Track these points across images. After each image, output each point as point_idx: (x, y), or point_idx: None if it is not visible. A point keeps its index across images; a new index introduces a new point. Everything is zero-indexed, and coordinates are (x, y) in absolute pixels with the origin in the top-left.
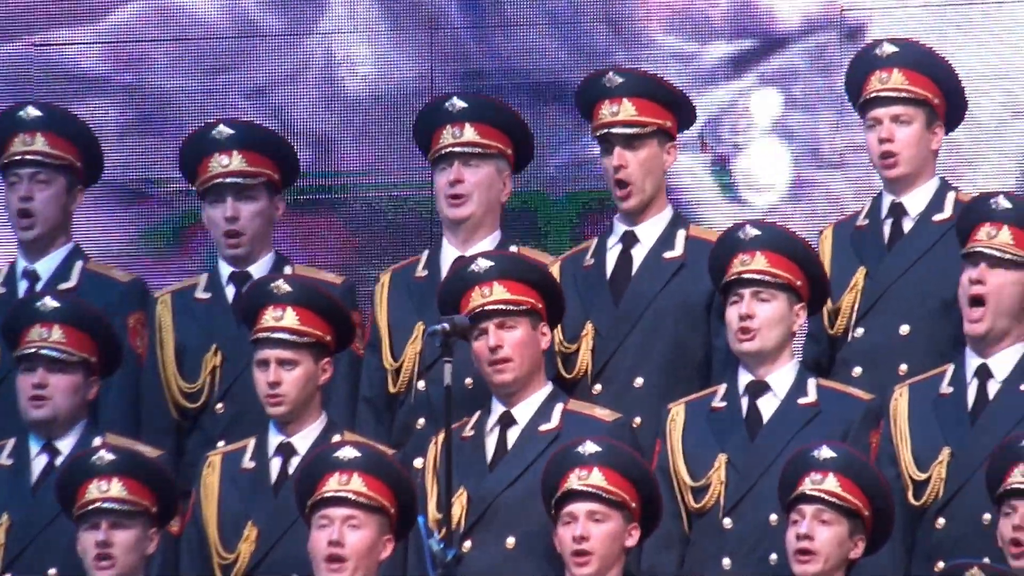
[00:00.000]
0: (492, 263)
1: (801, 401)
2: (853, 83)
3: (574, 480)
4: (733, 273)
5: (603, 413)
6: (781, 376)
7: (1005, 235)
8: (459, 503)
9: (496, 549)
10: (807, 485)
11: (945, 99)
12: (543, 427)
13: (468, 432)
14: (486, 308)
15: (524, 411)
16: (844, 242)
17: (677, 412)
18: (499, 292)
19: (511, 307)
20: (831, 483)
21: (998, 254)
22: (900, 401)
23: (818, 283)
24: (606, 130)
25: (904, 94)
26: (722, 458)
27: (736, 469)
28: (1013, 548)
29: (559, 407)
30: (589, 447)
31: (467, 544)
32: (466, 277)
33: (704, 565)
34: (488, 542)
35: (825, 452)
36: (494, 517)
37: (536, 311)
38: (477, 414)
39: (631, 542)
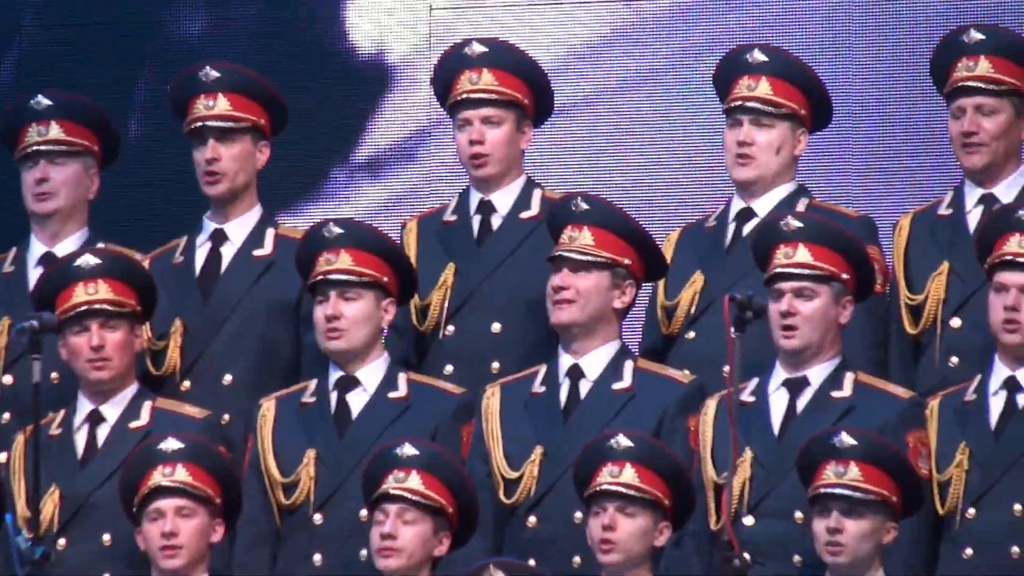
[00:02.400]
0: (99, 261)
1: (392, 395)
2: (442, 82)
3: (159, 477)
4: (319, 272)
5: (193, 411)
6: (371, 371)
7: (586, 237)
8: (51, 501)
9: (91, 547)
10: (390, 483)
11: (535, 98)
12: (133, 424)
13: (55, 430)
14: (93, 306)
15: (112, 409)
16: (430, 237)
17: (268, 408)
18: (104, 291)
19: (114, 308)
20: (414, 481)
21: (579, 256)
22: (492, 400)
23: (406, 277)
24: (200, 123)
25: (494, 95)
26: (311, 453)
27: (326, 465)
28: (603, 546)
29: (147, 404)
30: (172, 443)
31: (62, 542)
32: (71, 273)
33: (295, 562)
34: (83, 540)
35: (408, 450)
36: (88, 515)
37: (136, 314)
38: (63, 411)
39: (216, 537)
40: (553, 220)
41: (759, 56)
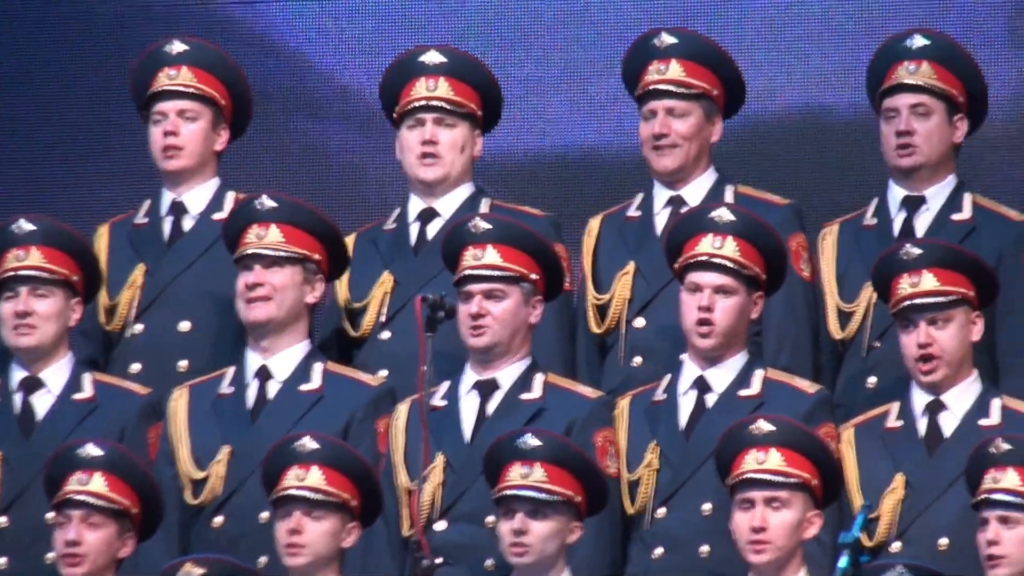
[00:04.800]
0: None
1: (77, 397)
2: (140, 77)
3: None
4: (9, 268)
5: None
6: (56, 372)
7: (275, 233)
8: None
9: None
10: (73, 485)
11: (232, 100)
12: None
13: None
14: None
15: None
16: (121, 240)
17: None
18: None
19: None
20: (98, 484)
21: (272, 252)
22: (179, 402)
23: (92, 277)
24: None
25: (192, 89)
26: None
27: (11, 467)
28: (289, 550)
29: None
30: None
31: None
32: None
33: None
34: None
35: (91, 450)
36: None
37: None
38: None
39: None
40: (236, 221)
41: (437, 57)
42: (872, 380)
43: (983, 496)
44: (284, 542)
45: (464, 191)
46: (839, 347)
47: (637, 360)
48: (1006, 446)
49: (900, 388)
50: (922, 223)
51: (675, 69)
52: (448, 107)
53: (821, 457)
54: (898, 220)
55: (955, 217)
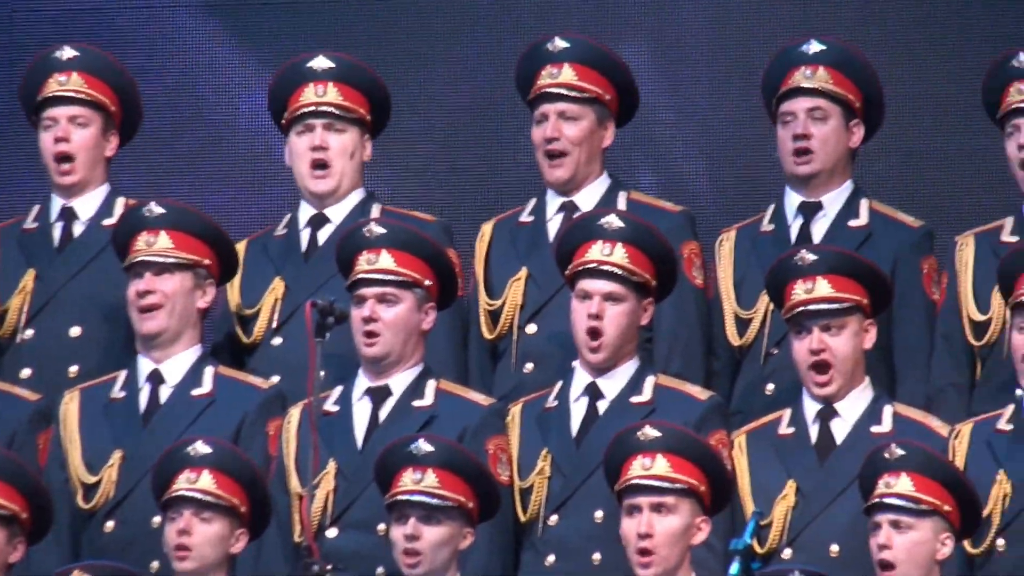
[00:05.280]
0: None
1: None
2: (29, 84)
3: None
4: None
5: None
6: None
7: (164, 240)
8: None
9: None
10: None
11: (121, 107)
12: None
13: None
14: None
15: None
16: (9, 246)
17: None
18: None
19: None
20: None
21: (160, 259)
22: (70, 406)
23: None
24: None
25: (82, 95)
26: None
27: None
28: (177, 552)
29: None
30: None
31: None
32: None
33: None
34: None
35: None
36: None
37: None
38: None
39: None
40: (125, 229)
41: (325, 63)
42: (770, 387)
43: (876, 500)
44: (173, 543)
45: (355, 197)
46: (737, 354)
47: (529, 366)
48: (900, 451)
49: (797, 394)
50: (819, 229)
51: (567, 73)
52: (337, 112)
53: (709, 463)
54: (795, 226)
55: (852, 223)
